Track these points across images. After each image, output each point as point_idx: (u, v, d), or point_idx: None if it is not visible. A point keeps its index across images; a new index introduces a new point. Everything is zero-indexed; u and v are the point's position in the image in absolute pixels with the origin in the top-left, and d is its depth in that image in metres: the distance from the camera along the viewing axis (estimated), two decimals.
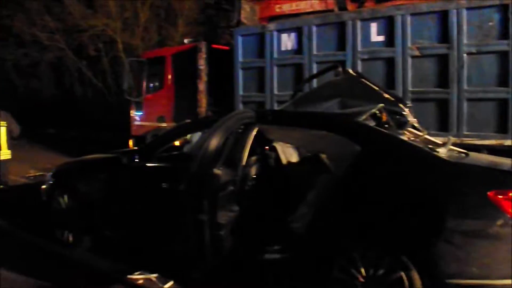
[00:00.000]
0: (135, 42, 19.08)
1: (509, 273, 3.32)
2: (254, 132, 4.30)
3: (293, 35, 7.82)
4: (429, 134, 5.65)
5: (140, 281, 4.61)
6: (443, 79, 6.62)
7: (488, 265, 3.37)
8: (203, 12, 18.79)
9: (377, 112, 4.55)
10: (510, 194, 3.37)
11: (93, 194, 5.24)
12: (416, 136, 4.93)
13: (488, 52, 6.38)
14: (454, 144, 6.01)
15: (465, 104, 6.48)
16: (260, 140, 4.77)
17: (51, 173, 5.82)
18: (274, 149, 5.07)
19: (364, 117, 4.26)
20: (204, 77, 9.04)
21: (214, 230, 3.80)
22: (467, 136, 6.47)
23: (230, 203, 4.03)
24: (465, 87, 6.48)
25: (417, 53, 6.76)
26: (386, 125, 4.57)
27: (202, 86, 9.04)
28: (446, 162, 3.77)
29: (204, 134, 4.28)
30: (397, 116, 4.94)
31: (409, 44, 6.80)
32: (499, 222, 3.34)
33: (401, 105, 5.09)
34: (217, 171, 3.80)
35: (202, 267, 3.97)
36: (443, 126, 6.61)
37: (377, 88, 5.20)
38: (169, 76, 9.84)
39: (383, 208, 3.70)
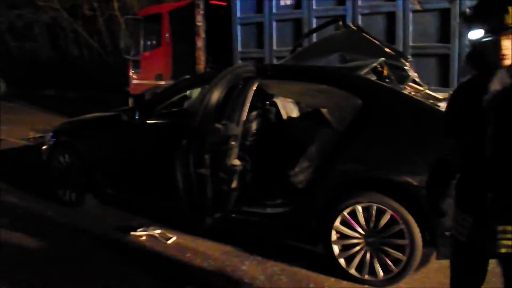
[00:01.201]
0: (131, 0, 18.70)
1: None
2: (254, 87, 4.27)
3: None
4: (430, 89, 5.64)
5: (143, 238, 4.67)
6: (444, 34, 6.53)
7: None
8: None
9: (378, 66, 4.50)
10: None
11: (94, 152, 5.25)
12: (417, 90, 4.91)
13: None
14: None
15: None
16: (261, 95, 4.75)
17: (51, 133, 5.80)
18: (274, 104, 5.05)
19: (365, 71, 4.23)
20: (202, 33, 8.92)
21: (216, 184, 3.82)
22: None
23: (232, 158, 4.03)
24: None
25: (418, 7, 6.64)
26: (388, 80, 4.54)
27: (200, 42, 8.93)
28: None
29: (204, 90, 4.24)
30: (398, 71, 4.91)
31: None
32: None
33: (402, 60, 5.05)
34: (218, 125, 3.78)
35: (204, 221, 4.01)
36: (444, 81, 6.56)
37: (378, 42, 5.16)
38: (167, 34, 9.72)
39: (384, 161, 3.72)
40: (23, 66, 20.47)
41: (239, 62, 8.16)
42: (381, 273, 3.75)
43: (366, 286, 3.80)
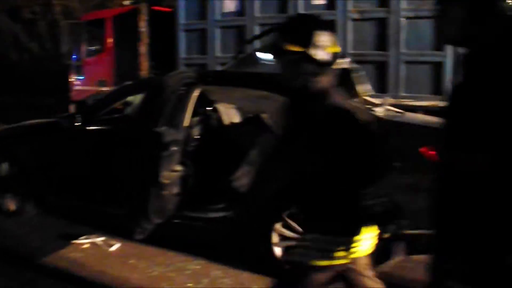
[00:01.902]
0: (73, 4, 18.32)
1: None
2: (196, 93, 4.31)
3: None
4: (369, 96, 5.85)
5: (85, 246, 4.60)
6: (382, 42, 6.82)
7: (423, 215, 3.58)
8: None
9: None
10: None
11: (35, 159, 5.12)
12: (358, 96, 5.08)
13: (425, 17, 6.59)
14: (392, 105, 6.27)
15: (402, 67, 6.71)
16: (204, 101, 4.79)
17: None
18: (216, 110, 5.10)
19: None
20: (145, 39, 8.89)
21: (158, 189, 3.83)
22: (404, 97, 6.72)
23: (173, 163, 4.05)
24: (403, 50, 6.69)
25: (357, 16, 6.89)
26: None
27: (143, 49, 8.89)
28: (382, 120, 3.92)
29: (145, 95, 4.25)
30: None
31: (349, 7, 6.91)
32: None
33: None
34: (159, 130, 3.80)
35: (146, 227, 4.01)
36: (381, 88, 6.83)
37: None
38: (110, 39, 9.60)
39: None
40: None
41: (183, 68, 8.19)
42: None
43: None
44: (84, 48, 9.99)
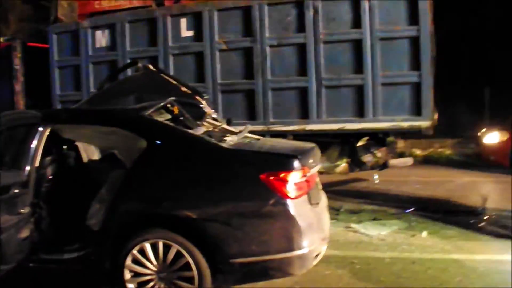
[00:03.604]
0: None
1: (285, 247, 3.70)
2: (46, 132, 4.26)
3: (107, 31, 7.80)
4: (239, 124, 6.01)
5: None
6: (249, 71, 7.08)
7: (266, 241, 3.71)
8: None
9: (169, 105, 4.74)
10: (281, 174, 3.72)
11: None
12: (215, 126, 5.22)
13: (288, 44, 6.95)
14: (261, 131, 6.50)
15: (269, 94, 6.99)
16: (60, 139, 4.75)
17: None
18: (75, 148, 5.06)
19: (150, 111, 4.40)
20: (20, 77, 8.64)
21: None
22: (273, 123, 6.98)
23: (15, 206, 3.96)
24: (269, 77, 6.98)
25: (224, 46, 7.12)
26: (181, 118, 4.79)
27: (18, 86, 8.64)
28: (223, 149, 4.03)
29: None
30: (196, 108, 5.19)
31: (216, 38, 7.13)
32: (272, 201, 3.68)
33: (198, 98, 5.34)
34: None
35: None
36: (251, 115, 7.06)
37: (175, 82, 5.40)
38: None
39: (165, 197, 3.90)
40: None
41: (59, 105, 8.03)
42: None
43: None
44: None
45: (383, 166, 7.36)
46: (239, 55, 7.13)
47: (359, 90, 6.66)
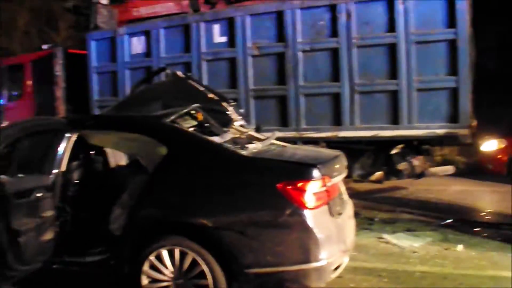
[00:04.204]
0: (14, 47, 18.19)
1: (301, 259, 3.61)
2: (73, 138, 4.34)
3: (142, 38, 7.93)
4: (271, 130, 5.96)
5: None
6: (281, 76, 7.00)
7: (282, 252, 3.62)
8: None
9: (193, 112, 4.74)
10: (298, 184, 3.63)
11: None
12: (241, 132, 5.18)
13: (321, 49, 6.83)
14: (292, 138, 6.42)
15: (302, 100, 6.88)
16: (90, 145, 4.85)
17: None
18: (103, 153, 5.14)
19: (172, 118, 4.41)
20: (61, 83, 8.89)
21: (12, 236, 3.81)
22: (305, 130, 6.87)
23: (37, 209, 4.05)
24: (301, 83, 6.87)
25: (256, 52, 7.07)
26: (207, 124, 4.78)
27: (59, 92, 8.89)
28: (241, 157, 3.98)
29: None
30: (222, 115, 5.17)
31: (249, 43, 7.09)
32: (288, 211, 3.59)
33: (224, 104, 5.32)
34: (1, 178, 3.80)
35: (10, 274, 3.96)
36: (283, 122, 6.99)
37: (202, 89, 5.40)
38: (29, 84, 9.57)
39: (182, 205, 3.89)
40: None
41: (97, 110, 8.21)
42: None
43: None
44: (5, 93, 9.90)
45: (421, 175, 7.10)
46: (271, 61, 7.07)
47: (393, 96, 6.46)
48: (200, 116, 4.77)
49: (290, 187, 3.64)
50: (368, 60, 6.54)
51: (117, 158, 5.19)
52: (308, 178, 3.70)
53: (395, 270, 4.91)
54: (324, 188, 3.80)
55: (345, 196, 4.55)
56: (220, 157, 4.02)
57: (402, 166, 6.90)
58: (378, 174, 7.05)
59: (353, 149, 6.87)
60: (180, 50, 7.60)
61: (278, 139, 5.04)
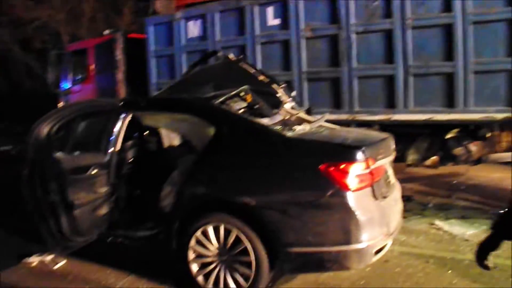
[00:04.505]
0: (81, 33, 18.93)
1: (341, 240, 3.65)
2: (128, 118, 4.56)
3: (199, 22, 8.07)
4: (323, 112, 5.96)
5: (34, 264, 4.86)
6: (334, 59, 6.94)
7: (323, 233, 3.68)
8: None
9: (242, 94, 4.83)
10: (341, 166, 3.67)
11: None
12: (291, 114, 5.23)
13: (374, 30, 6.70)
14: (346, 121, 6.39)
15: (355, 82, 6.81)
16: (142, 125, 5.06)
17: None
18: (157, 134, 5.34)
19: (221, 99, 4.53)
20: (121, 67, 9.22)
21: (68, 209, 4.07)
22: (358, 112, 6.80)
23: (93, 185, 4.30)
24: (355, 65, 6.80)
25: (309, 34, 7.04)
26: (256, 106, 4.87)
27: (120, 75, 9.23)
28: (285, 138, 4.05)
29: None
30: (273, 97, 5.24)
31: (302, 26, 7.07)
32: (330, 192, 3.64)
33: (274, 86, 5.38)
34: (58, 155, 4.04)
35: (65, 245, 4.23)
36: (337, 104, 6.94)
37: (253, 71, 5.48)
38: (92, 67, 9.99)
39: (227, 184, 4.01)
40: None
41: (155, 93, 8.46)
42: None
43: None
44: (70, 76, 10.38)
45: (478, 161, 6.87)
46: (325, 43, 7.02)
47: (449, 79, 6.26)
48: (249, 98, 4.85)
49: (332, 168, 3.67)
50: (423, 41, 6.36)
51: (171, 138, 5.37)
52: (351, 160, 3.71)
53: (443, 257, 4.80)
54: (368, 171, 3.80)
55: (392, 179, 4.51)
56: (265, 138, 4.10)
57: (458, 151, 6.70)
58: (433, 158, 6.90)
59: (407, 133, 6.75)
60: (235, 33, 7.68)
61: (331, 121, 5.05)
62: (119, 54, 9.20)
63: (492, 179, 7.68)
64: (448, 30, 6.19)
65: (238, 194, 3.94)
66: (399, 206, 4.51)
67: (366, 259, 3.75)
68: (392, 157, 4.56)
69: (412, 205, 6.64)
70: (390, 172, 4.49)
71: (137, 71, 9.19)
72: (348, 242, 3.65)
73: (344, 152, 3.83)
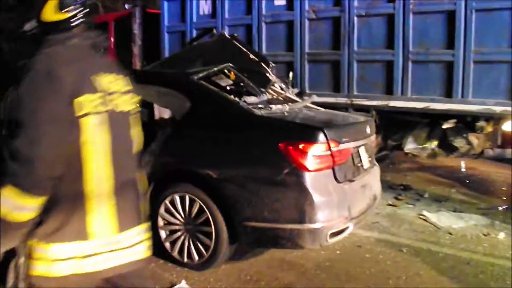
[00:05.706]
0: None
1: (296, 218, 3.77)
2: None
3: (209, 0, 8.12)
4: (322, 95, 5.99)
5: None
6: (336, 41, 6.90)
7: (278, 210, 3.81)
8: None
9: (226, 71, 4.93)
10: (300, 146, 3.76)
11: None
12: (278, 93, 5.32)
13: (377, 14, 6.61)
14: (344, 105, 6.40)
15: (355, 66, 6.76)
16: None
17: None
18: (150, 106, 5.50)
19: (201, 75, 4.64)
20: (138, 41, 9.36)
21: None
22: (356, 97, 6.76)
23: None
24: (355, 48, 6.74)
25: (313, 15, 7.01)
26: (241, 83, 4.96)
27: (136, 50, 9.38)
28: (252, 115, 4.15)
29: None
30: (261, 76, 5.32)
31: (306, 7, 7.04)
32: (286, 171, 3.76)
33: (263, 65, 5.46)
34: None
35: None
36: (336, 87, 6.91)
37: (244, 50, 5.57)
38: (111, 41, 10.20)
39: (191, 156, 4.15)
40: None
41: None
42: (196, 257, 4.20)
43: (187, 268, 4.25)
44: None
45: (479, 154, 6.74)
46: (327, 25, 6.97)
47: (448, 67, 6.12)
48: (232, 75, 4.95)
49: (291, 147, 3.76)
50: (424, 27, 6.22)
51: (162, 111, 5.52)
52: (310, 140, 3.80)
53: (419, 248, 4.83)
54: (329, 152, 3.86)
55: (367, 164, 4.52)
56: (232, 114, 4.22)
57: (458, 142, 6.58)
58: (432, 149, 6.80)
59: (406, 121, 6.69)
60: (242, 12, 7.71)
61: (330, 105, 5.01)
62: (136, 28, 9.34)
63: (499, 175, 7.54)
64: (450, 17, 6.02)
65: (202, 166, 4.10)
66: (372, 191, 4.54)
67: (321, 240, 3.83)
68: (367, 141, 4.58)
69: (408, 195, 6.63)
70: (364, 156, 4.50)
71: (154, 45, 9.34)
72: (302, 221, 3.75)
73: (304, 132, 3.91)
